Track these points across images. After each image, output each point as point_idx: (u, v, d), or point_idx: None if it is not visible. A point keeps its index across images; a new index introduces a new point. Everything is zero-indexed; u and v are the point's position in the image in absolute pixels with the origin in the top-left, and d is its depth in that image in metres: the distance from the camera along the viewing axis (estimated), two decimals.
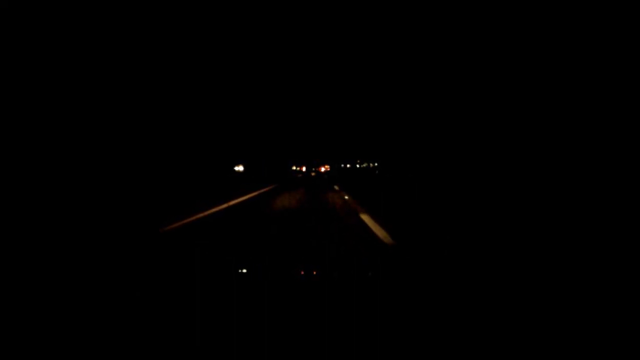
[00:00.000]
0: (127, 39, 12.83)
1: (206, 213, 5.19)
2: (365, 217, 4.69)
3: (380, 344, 0.67)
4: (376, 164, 50.57)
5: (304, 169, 61.38)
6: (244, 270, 1.15)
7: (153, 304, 0.84)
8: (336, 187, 12.06)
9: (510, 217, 4.86)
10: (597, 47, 10.67)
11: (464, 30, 17.48)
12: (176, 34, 16.48)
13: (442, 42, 19.80)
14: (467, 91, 17.60)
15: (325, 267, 1.29)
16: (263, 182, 15.49)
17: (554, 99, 12.16)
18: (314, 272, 1.20)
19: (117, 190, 8.96)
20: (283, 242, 3.16)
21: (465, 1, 17.52)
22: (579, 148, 10.56)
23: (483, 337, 0.73)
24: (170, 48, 15.83)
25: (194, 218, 4.71)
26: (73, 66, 10.37)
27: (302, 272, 1.20)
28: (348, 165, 64.93)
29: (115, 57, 12.59)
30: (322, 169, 61.81)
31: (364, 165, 60.03)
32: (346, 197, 8.12)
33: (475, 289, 0.96)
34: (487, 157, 15.43)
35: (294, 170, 53.68)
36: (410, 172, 22.31)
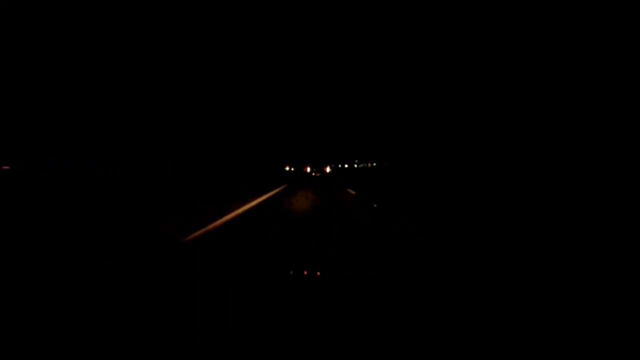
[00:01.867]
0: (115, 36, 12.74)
1: None
2: None
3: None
4: (374, 164, 50.49)
5: (308, 169, 60.67)
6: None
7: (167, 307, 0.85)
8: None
9: (503, 210, 4.92)
10: (597, 47, 10.74)
11: (463, 30, 17.54)
12: (169, 31, 16.36)
13: (441, 43, 19.84)
14: (466, 91, 17.65)
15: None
16: None
17: (553, 99, 12.22)
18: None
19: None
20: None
21: (465, 1, 17.57)
22: (578, 147, 10.62)
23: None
24: (163, 45, 15.71)
25: None
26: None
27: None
28: (346, 166, 64.74)
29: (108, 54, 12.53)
30: (328, 169, 61.15)
31: (362, 165, 59.89)
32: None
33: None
34: (486, 157, 15.46)
35: (286, 170, 53.04)
36: (410, 171, 22.32)
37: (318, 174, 46.34)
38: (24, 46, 9.84)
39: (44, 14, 10.42)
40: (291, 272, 1.21)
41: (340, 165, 65.03)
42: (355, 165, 62.36)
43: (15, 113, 9.26)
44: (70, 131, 10.51)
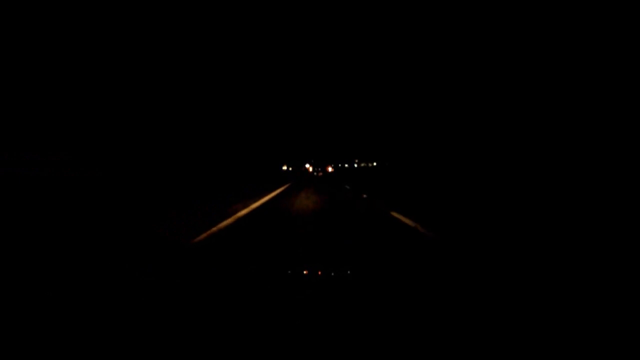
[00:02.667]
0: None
1: None
2: None
3: None
4: (375, 164, 50.60)
5: (310, 169, 60.77)
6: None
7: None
8: None
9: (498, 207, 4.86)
10: (597, 47, 10.71)
11: (463, 30, 17.52)
12: (170, 28, 16.36)
13: (441, 43, 19.84)
14: (467, 91, 17.64)
15: None
16: None
17: (552, 99, 12.20)
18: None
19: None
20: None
21: (465, 1, 17.56)
22: (577, 148, 10.60)
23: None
24: (164, 43, 15.71)
25: None
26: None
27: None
28: (346, 165, 64.91)
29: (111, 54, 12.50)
30: (330, 169, 61.46)
31: (362, 165, 60.03)
32: None
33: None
34: (485, 156, 15.46)
35: (284, 170, 53.26)
36: (410, 171, 22.32)
37: (320, 174, 46.60)
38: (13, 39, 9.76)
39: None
40: (294, 273, 1.24)
41: (340, 165, 65.25)
42: (356, 165, 62.48)
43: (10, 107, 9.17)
44: (69, 129, 10.46)
